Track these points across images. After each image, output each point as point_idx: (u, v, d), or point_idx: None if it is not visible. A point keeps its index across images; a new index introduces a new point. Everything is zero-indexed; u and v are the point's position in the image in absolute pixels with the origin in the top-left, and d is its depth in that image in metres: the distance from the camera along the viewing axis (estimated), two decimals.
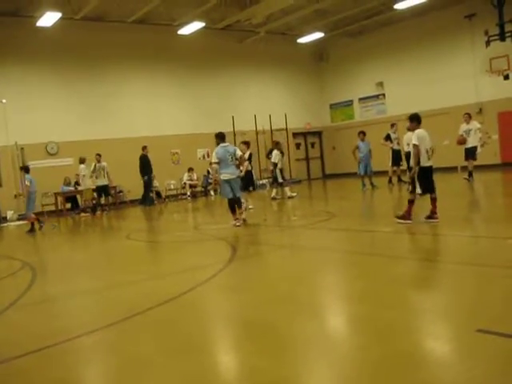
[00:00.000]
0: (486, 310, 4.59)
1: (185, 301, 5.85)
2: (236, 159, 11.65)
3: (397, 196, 15.55)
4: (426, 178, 9.30)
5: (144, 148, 20.20)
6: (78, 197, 20.31)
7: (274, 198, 17.43)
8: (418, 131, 9.35)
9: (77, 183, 19.93)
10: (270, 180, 24.97)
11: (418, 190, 9.31)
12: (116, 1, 19.45)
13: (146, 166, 20.16)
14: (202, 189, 23.65)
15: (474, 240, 7.89)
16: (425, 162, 9.23)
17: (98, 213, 18.70)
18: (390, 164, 18.05)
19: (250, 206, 13.42)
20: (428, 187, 9.33)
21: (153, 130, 22.51)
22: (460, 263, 6.42)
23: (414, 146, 9.26)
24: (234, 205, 11.69)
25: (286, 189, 17.79)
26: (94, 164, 18.58)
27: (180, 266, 8.08)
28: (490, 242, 7.62)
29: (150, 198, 20.78)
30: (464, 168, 18.23)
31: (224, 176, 11.56)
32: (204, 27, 21.78)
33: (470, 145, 16.78)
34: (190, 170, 22.73)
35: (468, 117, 17.08)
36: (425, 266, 6.68)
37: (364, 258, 7.40)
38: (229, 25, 23.15)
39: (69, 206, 20.30)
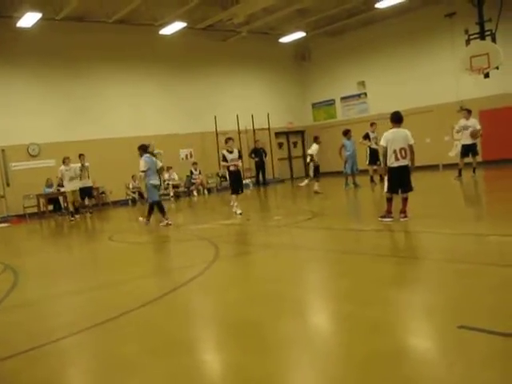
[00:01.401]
0: (468, 306, 4.64)
1: (168, 301, 5.84)
2: (156, 170, 13.18)
3: (378, 195, 15.64)
4: (393, 178, 9.41)
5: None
6: (61, 198, 20.18)
7: (316, 192, 17.27)
8: (387, 132, 9.50)
9: (60, 185, 19.77)
10: (253, 180, 25.13)
11: (385, 189, 9.53)
12: (97, 1, 19.33)
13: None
14: (185, 189, 23.60)
15: (455, 237, 7.95)
16: (392, 163, 9.32)
17: (77, 216, 17.56)
18: (367, 163, 18.13)
19: (239, 211, 13.29)
20: (395, 187, 9.43)
21: (135, 130, 22.38)
22: (442, 260, 6.48)
23: (382, 147, 9.54)
24: (163, 206, 13.29)
25: (316, 183, 17.58)
26: (80, 164, 17.96)
27: (163, 267, 8.08)
28: (472, 240, 7.69)
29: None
30: (453, 166, 18.25)
31: (154, 182, 13.03)
32: (186, 27, 21.74)
33: (469, 141, 16.66)
34: (169, 168, 22.60)
35: (467, 113, 16.94)
36: (407, 264, 6.73)
37: (347, 256, 7.43)
38: (210, 25, 23.11)
39: (51, 207, 20.14)
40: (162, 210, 13.10)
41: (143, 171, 12.87)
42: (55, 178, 19.79)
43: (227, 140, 13.91)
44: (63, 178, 17.52)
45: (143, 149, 13.29)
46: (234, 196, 13.62)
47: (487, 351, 3.64)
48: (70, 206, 17.71)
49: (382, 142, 9.50)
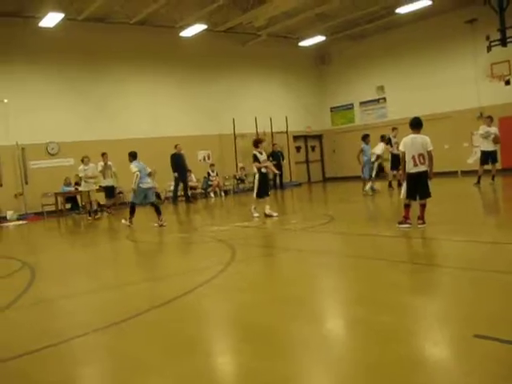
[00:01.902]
0: (484, 315, 4.60)
1: (184, 302, 5.85)
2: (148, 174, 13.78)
3: (396, 200, 15.55)
4: (411, 184, 9.35)
5: (176, 146, 21.10)
6: (78, 197, 20.34)
7: (373, 189, 17.31)
8: (405, 137, 9.44)
9: (77, 183, 19.90)
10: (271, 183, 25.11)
11: (402, 195, 9.48)
12: (119, 2, 19.49)
13: (175, 164, 20.96)
14: (202, 191, 23.66)
15: (473, 245, 7.89)
16: (410, 169, 9.27)
17: (97, 215, 17.65)
18: (390, 168, 18.11)
19: (275, 214, 13.22)
20: (413, 193, 9.37)
21: (154, 131, 22.55)
22: (459, 268, 6.43)
23: (400, 152, 9.51)
24: (159, 207, 13.80)
25: (369, 184, 17.53)
26: (103, 163, 17.84)
27: (179, 268, 8.09)
28: (489, 247, 7.62)
29: (186, 195, 21.59)
30: (472, 173, 18.27)
31: (144, 185, 13.54)
32: (206, 29, 21.83)
33: (490, 148, 16.65)
34: (188, 171, 22.67)
35: (490, 120, 16.85)
36: (423, 271, 6.68)
37: (364, 261, 7.40)
38: (231, 27, 23.19)
39: (69, 206, 20.28)
40: (158, 211, 13.46)
41: (138, 171, 13.39)
42: (73, 177, 19.96)
43: (259, 142, 13.62)
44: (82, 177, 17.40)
45: (132, 155, 13.90)
46: (258, 199, 13.36)
47: (503, 361, 3.60)
48: (87, 206, 17.66)
49: (401, 148, 9.47)
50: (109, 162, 18.01)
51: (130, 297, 6.41)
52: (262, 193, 13.25)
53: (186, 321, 5.20)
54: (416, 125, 9.44)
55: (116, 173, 18.31)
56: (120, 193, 21.50)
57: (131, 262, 9.47)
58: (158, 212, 13.41)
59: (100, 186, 18.23)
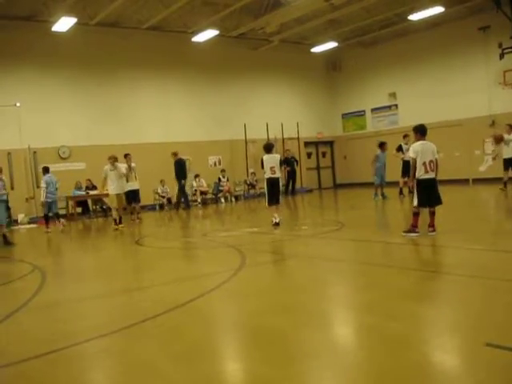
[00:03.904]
0: (495, 323, 4.56)
1: (193, 307, 5.85)
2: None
3: (407, 207, 15.50)
4: (423, 191, 9.30)
5: (175, 154, 20.23)
6: (90, 201, 20.42)
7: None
8: (415, 144, 9.42)
9: (88, 188, 19.96)
10: (283, 189, 25.06)
11: (415, 202, 9.38)
12: (131, 7, 19.57)
13: (179, 171, 20.22)
14: (213, 196, 23.68)
15: (483, 253, 7.83)
16: (421, 175, 9.23)
17: (121, 225, 15.23)
18: (401, 175, 18.06)
19: (276, 220, 12.50)
20: (425, 200, 9.32)
21: (165, 136, 22.63)
22: (468, 276, 6.38)
23: (411, 158, 9.41)
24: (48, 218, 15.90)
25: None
26: (127, 165, 16.40)
27: (189, 273, 8.09)
28: (501, 256, 7.57)
29: (186, 201, 20.84)
30: (483, 181, 18.94)
31: (49, 198, 15.64)
32: (218, 35, 21.88)
33: (508, 155, 17.00)
34: (197, 176, 22.74)
35: (510, 128, 17.18)
36: (434, 278, 6.65)
37: (373, 268, 7.37)
38: (243, 33, 23.23)
39: (79, 210, 20.35)
40: (57, 217, 15.81)
41: (45, 186, 15.43)
42: (84, 181, 20.04)
43: (272, 147, 13.22)
44: (108, 179, 15.25)
45: (45, 169, 15.98)
46: (270, 207, 12.78)
47: None
48: (114, 213, 15.26)
49: (411, 154, 9.41)
50: (132, 164, 16.79)
51: (139, 301, 6.42)
52: (272, 200, 12.65)
53: (196, 326, 5.19)
54: (424, 131, 9.45)
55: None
56: None
57: (141, 266, 9.48)
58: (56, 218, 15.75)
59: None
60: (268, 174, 12.57)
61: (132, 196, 16.93)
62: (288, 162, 24.27)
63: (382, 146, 17.95)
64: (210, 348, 4.56)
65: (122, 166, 15.65)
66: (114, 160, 15.16)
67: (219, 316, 5.64)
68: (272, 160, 12.57)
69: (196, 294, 6.28)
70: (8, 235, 13.44)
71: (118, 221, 15.08)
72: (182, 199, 20.74)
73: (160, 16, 20.04)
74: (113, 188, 15.18)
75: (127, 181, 16.11)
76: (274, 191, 12.60)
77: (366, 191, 19.22)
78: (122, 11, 19.65)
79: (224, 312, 5.79)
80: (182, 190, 20.50)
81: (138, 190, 17.24)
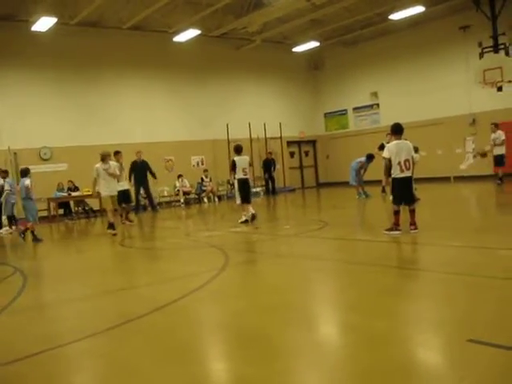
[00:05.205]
0: (477, 320, 4.60)
1: (177, 308, 5.83)
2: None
3: (389, 206, 15.57)
4: (397, 189, 9.44)
5: (137, 153, 19.40)
6: (72, 203, 20.26)
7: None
8: (390, 144, 9.57)
9: (70, 189, 19.79)
10: (264, 189, 25.13)
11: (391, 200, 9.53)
12: (112, 7, 19.46)
13: (131, 172, 18.70)
14: (196, 196, 23.62)
15: (465, 250, 7.90)
16: (397, 174, 9.32)
17: (114, 231, 13.57)
18: (383, 173, 18.11)
19: (243, 219, 13.21)
20: (398, 198, 9.41)
21: (147, 136, 22.51)
22: (451, 273, 6.43)
23: (384, 158, 9.56)
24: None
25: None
26: (119, 163, 15.33)
27: (172, 273, 8.06)
28: (482, 252, 7.63)
29: (139, 205, 20.08)
30: (465, 178, 19.98)
31: (11, 200, 16.46)
32: (200, 34, 21.85)
33: (496, 152, 18.05)
34: (180, 176, 22.69)
35: (494, 127, 18.09)
36: (416, 276, 6.69)
37: (356, 267, 7.40)
38: (225, 32, 23.21)
39: (61, 212, 20.18)
40: (11, 222, 16.62)
41: (9, 189, 16.01)
42: (66, 182, 19.88)
43: (240, 149, 13.51)
44: (100, 179, 13.92)
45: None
46: (242, 205, 13.40)
47: (497, 366, 3.60)
48: (110, 216, 13.79)
49: (385, 154, 9.49)
50: (123, 163, 15.91)
51: (122, 303, 6.38)
52: (244, 200, 13.25)
53: (179, 327, 5.17)
54: (399, 131, 9.54)
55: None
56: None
57: (124, 267, 9.43)
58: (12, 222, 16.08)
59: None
60: (240, 175, 13.16)
61: (123, 197, 15.87)
62: (266, 165, 24.48)
63: (371, 157, 17.87)
64: (194, 349, 4.55)
65: (114, 165, 14.42)
66: (107, 157, 14.06)
67: (203, 316, 5.63)
68: (243, 161, 13.26)
69: (179, 294, 6.26)
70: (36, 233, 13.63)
71: (114, 224, 13.71)
72: (147, 202, 20.49)
73: (141, 16, 19.95)
74: (107, 189, 13.88)
75: (118, 180, 14.76)
76: (245, 191, 13.22)
77: (349, 190, 19.28)
78: (102, 11, 19.53)
79: (207, 312, 5.77)
80: (147, 192, 20.05)
81: (128, 190, 16.68)
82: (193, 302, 6.12)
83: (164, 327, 5.18)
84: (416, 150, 17.40)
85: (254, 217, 13.17)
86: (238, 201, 13.41)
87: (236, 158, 13.22)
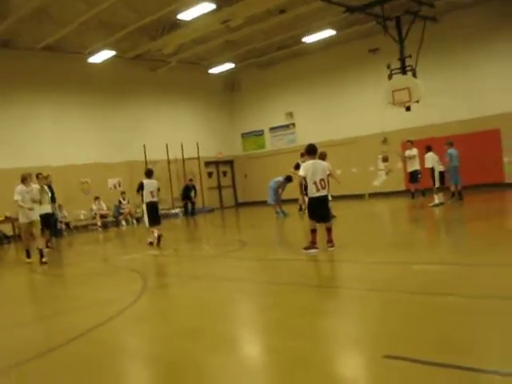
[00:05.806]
0: (394, 335, 4.74)
1: (94, 337, 5.67)
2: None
3: (307, 224, 15.83)
4: (313, 208, 9.66)
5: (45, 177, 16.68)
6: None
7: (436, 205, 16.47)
8: (306, 163, 9.80)
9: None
10: (182, 210, 24.99)
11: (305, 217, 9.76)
12: (24, 27, 18.93)
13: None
14: (114, 218, 23.19)
15: (380, 266, 8.12)
16: (313, 193, 9.54)
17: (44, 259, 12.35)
18: (299, 192, 18.40)
19: (150, 240, 13.35)
20: (317, 216, 9.67)
21: (62, 159, 21.87)
22: (368, 289, 6.60)
23: (300, 177, 9.72)
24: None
25: (436, 196, 16.82)
26: (39, 186, 13.69)
27: (89, 300, 7.86)
28: (397, 268, 7.87)
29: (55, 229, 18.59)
30: (378, 195, 20.80)
31: None
32: (115, 56, 21.64)
33: (411, 168, 18.74)
34: (97, 198, 22.27)
35: (410, 143, 18.98)
36: (333, 294, 6.83)
37: (275, 287, 7.47)
38: (140, 54, 23.08)
39: None
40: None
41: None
42: None
43: (150, 173, 13.60)
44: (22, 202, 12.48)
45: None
46: (150, 228, 13.44)
47: (413, 380, 3.72)
48: (25, 243, 13.01)
49: (301, 173, 9.67)
50: (45, 186, 14.76)
51: (35, 334, 6.18)
52: (153, 222, 13.33)
53: (97, 356, 5.03)
54: (314, 151, 9.80)
55: (55, 197, 16.42)
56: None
57: (37, 296, 9.13)
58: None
59: None
60: (148, 198, 13.21)
61: (46, 221, 14.53)
62: (186, 191, 24.51)
63: (289, 179, 17.99)
64: (112, 378, 4.45)
65: (36, 188, 13.22)
66: (28, 179, 12.85)
67: (122, 344, 5.51)
68: (152, 185, 13.35)
69: (97, 321, 6.11)
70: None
71: (30, 252, 12.87)
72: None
73: (55, 36, 19.52)
74: (31, 213, 12.63)
75: (40, 203, 13.35)
76: (153, 214, 13.33)
77: (267, 209, 19.48)
78: (13, 30, 18.91)
79: (127, 339, 5.67)
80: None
81: (51, 213, 15.45)
82: (111, 329, 5.97)
83: (80, 358, 5.02)
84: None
85: (159, 238, 13.15)
86: (147, 223, 13.43)
87: (145, 181, 13.25)
